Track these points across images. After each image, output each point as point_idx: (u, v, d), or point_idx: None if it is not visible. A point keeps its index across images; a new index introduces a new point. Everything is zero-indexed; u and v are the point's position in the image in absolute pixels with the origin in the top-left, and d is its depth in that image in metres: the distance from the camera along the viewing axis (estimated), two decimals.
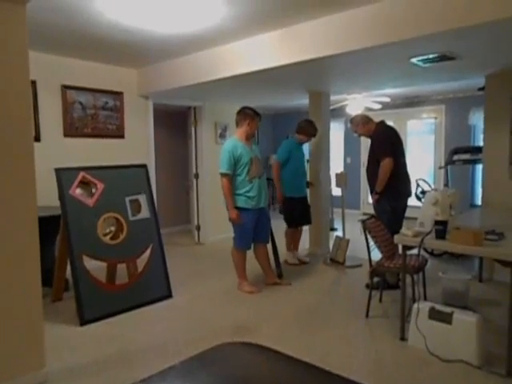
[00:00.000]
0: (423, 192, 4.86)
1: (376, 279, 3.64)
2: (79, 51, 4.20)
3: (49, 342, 2.73)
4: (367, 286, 3.62)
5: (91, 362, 2.64)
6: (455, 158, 5.21)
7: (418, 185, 4.96)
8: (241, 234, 3.89)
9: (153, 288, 3.67)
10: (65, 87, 4.44)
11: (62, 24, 3.31)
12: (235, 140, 3.85)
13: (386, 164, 3.71)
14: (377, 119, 4.07)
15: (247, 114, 3.88)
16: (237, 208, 3.76)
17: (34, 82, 4.10)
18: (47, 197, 3.54)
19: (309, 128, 4.69)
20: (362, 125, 4.00)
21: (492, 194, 4.23)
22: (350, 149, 8.62)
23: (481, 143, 4.69)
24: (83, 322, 3.18)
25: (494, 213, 3.91)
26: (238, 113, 3.96)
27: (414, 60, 3.43)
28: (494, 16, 2.40)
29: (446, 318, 2.60)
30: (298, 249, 4.96)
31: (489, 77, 4.21)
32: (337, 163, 8.26)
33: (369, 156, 4.01)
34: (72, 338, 3.00)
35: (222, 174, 3.72)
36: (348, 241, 4.75)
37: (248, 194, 3.77)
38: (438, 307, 2.68)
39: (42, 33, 3.54)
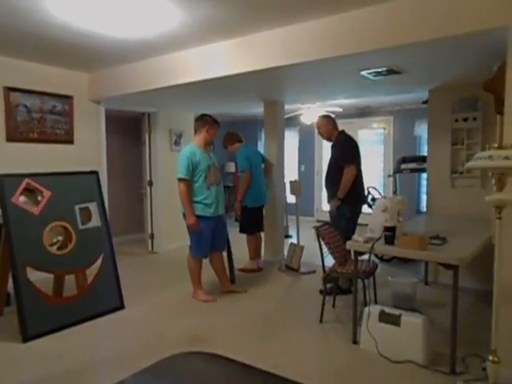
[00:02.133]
0: (374, 199, 5.06)
1: (329, 285, 3.73)
2: (26, 52, 3.99)
3: None
4: (321, 291, 3.70)
5: (36, 381, 2.48)
6: (403, 166, 5.46)
7: (369, 192, 5.16)
8: (198, 241, 3.84)
9: (104, 299, 3.53)
10: (8, 89, 4.20)
11: (9, 24, 3.13)
12: (193, 146, 3.82)
13: (350, 171, 3.81)
14: None
15: (206, 121, 3.86)
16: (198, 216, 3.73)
17: None
18: None
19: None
20: (327, 126, 4.08)
21: (435, 202, 4.47)
22: (304, 157, 8.81)
23: (425, 153, 4.95)
24: (26, 337, 2.98)
25: (437, 219, 4.14)
26: (197, 119, 3.94)
27: (363, 73, 3.59)
28: (435, 34, 2.57)
29: (394, 321, 2.70)
30: (260, 256, 4.99)
31: (432, 91, 4.47)
32: (291, 171, 8.40)
33: (329, 164, 4.09)
34: (14, 355, 2.81)
35: (180, 179, 3.66)
36: (302, 247, 4.83)
37: (205, 201, 3.74)
38: (388, 310, 2.78)
39: None
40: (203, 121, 3.88)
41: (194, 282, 3.94)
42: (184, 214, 3.77)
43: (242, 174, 4.77)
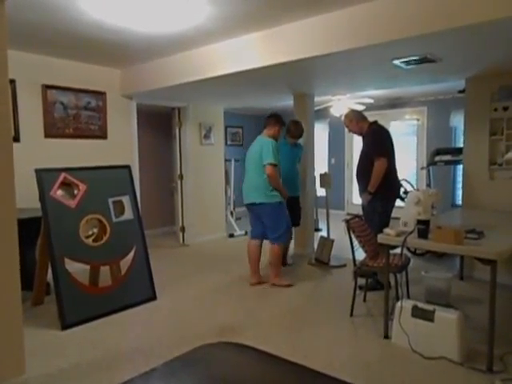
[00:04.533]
0: (406, 192, 4.93)
1: (370, 280, 3.67)
2: (61, 50, 4.13)
3: (29, 348, 2.67)
4: (360, 287, 3.60)
5: (73, 366, 2.59)
6: (437, 158, 5.29)
7: (401, 185, 5.03)
8: (287, 228, 4.18)
9: (137, 290, 3.63)
10: (45, 87, 4.36)
11: (43, 22, 3.25)
12: (271, 139, 4.09)
13: (381, 164, 3.68)
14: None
15: (279, 121, 4.20)
16: (280, 202, 4.03)
17: (13, 81, 4.02)
18: (27, 198, 3.47)
19: (295, 130, 4.65)
20: (355, 121, 3.95)
21: (472, 194, 4.31)
22: (335, 150, 8.69)
23: (461, 144, 4.78)
24: (65, 326, 3.12)
25: (474, 212, 3.99)
26: (272, 117, 4.21)
27: (396, 62, 3.48)
28: (473, 20, 2.46)
29: (428, 316, 2.64)
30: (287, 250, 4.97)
31: (469, 79, 4.30)
32: (321, 164, 8.32)
33: (361, 155, 3.97)
34: (53, 342, 2.94)
35: (271, 164, 3.91)
36: (333, 241, 4.78)
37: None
38: (421, 305, 2.72)
39: (22, 31, 3.47)
40: (277, 120, 4.20)
41: (278, 269, 4.12)
42: (261, 204, 4.00)
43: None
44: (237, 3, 2.89)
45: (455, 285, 3.73)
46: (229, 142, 8.87)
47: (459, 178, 6.59)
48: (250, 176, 4.13)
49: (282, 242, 4.08)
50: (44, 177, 3.29)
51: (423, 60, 3.43)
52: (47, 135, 4.41)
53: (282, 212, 4.09)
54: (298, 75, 4.20)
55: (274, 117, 4.20)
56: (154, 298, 3.72)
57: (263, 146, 4.00)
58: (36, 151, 4.30)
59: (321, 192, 5.96)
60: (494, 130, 4.12)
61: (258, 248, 4.19)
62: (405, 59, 3.40)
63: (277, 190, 4.00)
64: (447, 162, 5.32)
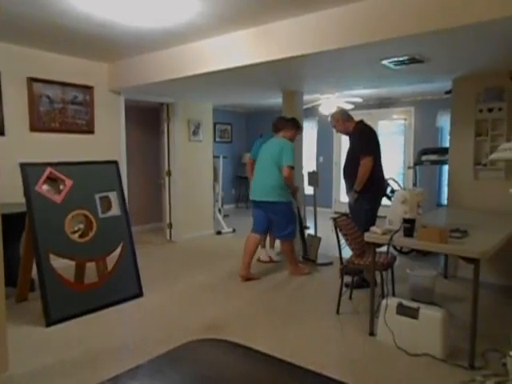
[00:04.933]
0: (393, 191, 4.99)
1: (356, 278, 3.71)
2: (48, 43, 4.06)
3: (13, 344, 2.64)
4: (346, 285, 3.63)
5: (57, 363, 2.57)
6: (423, 158, 5.37)
7: (387, 184, 5.08)
8: (295, 225, 4.33)
9: (123, 287, 3.60)
10: (31, 80, 4.29)
11: (31, 15, 3.19)
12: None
13: (367, 162, 3.71)
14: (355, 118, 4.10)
15: (297, 126, 4.42)
16: (291, 202, 4.24)
17: None
18: (11, 193, 3.42)
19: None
20: (341, 121, 3.99)
21: (457, 194, 4.38)
22: (323, 148, 8.74)
23: (447, 144, 4.84)
24: (49, 322, 3.08)
25: (458, 212, 4.05)
26: (290, 120, 4.40)
27: (385, 62, 3.51)
28: (461, 21, 2.49)
29: (412, 314, 2.68)
30: (273, 246, 4.99)
31: (456, 80, 4.36)
32: (309, 162, 8.35)
33: (348, 154, 4.00)
34: (37, 339, 2.90)
35: (290, 166, 4.06)
36: (320, 239, 4.81)
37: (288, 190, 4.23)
38: (406, 303, 2.75)
39: (8, 22, 3.40)
40: (296, 124, 4.41)
41: (294, 261, 4.37)
42: (275, 202, 4.11)
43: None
44: (227, 0, 2.88)
45: (439, 283, 3.79)
46: (217, 139, 8.85)
47: (445, 178, 6.69)
48: (263, 174, 4.17)
49: (290, 239, 4.28)
50: (29, 171, 3.24)
51: (412, 60, 3.46)
52: (33, 129, 4.33)
53: (292, 211, 4.30)
54: (287, 73, 4.21)
55: (292, 120, 4.40)
56: (140, 294, 3.70)
57: (284, 148, 4.09)
58: (21, 145, 4.22)
59: (309, 190, 5.99)
60: (479, 130, 4.19)
61: (256, 242, 4.27)
62: (394, 59, 3.44)
63: (290, 190, 4.21)
64: (433, 162, 5.40)
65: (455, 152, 4.38)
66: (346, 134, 4.06)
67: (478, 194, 4.21)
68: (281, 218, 4.17)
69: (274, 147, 4.16)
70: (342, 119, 3.99)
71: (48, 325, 3.07)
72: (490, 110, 4.09)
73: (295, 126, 4.37)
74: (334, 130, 4.22)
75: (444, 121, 6.86)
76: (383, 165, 3.97)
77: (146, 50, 4.27)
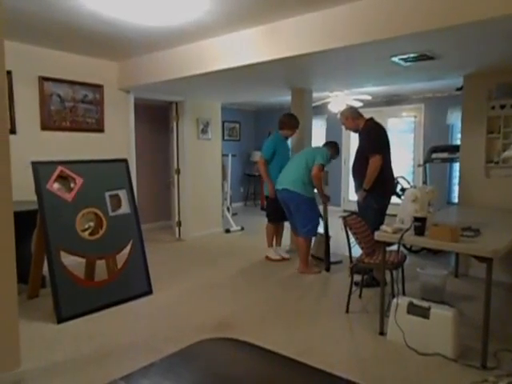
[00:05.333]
0: (403, 189, 4.95)
1: (366, 277, 3.69)
2: (58, 42, 4.09)
3: (24, 341, 2.67)
4: (356, 283, 3.61)
5: (69, 360, 2.59)
6: (434, 156, 5.31)
7: (397, 182, 5.04)
8: (316, 224, 4.39)
9: (133, 284, 3.62)
10: (42, 79, 4.32)
11: (41, 13, 3.21)
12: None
13: (376, 161, 3.69)
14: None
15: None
16: (313, 198, 4.34)
17: (9, 73, 3.98)
18: (23, 191, 3.45)
19: (290, 121, 4.76)
20: (351, 119, 3.97)
21: (468, 192, 4.33)
22: None
23: (458, 142, 4.79)
24: (60, 319, 3.11)
25: (470, 210, 4.01)
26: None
27: (394, 59, 3.47)
28: (472, 17, 2.45)
29: (423, 313, 2.65)
30: (280, 244, 4.99)
31: (466, 77, 4.30)
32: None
33: (357, 152, 3.98)
34: (49, 335, 2.93)
35: (321, 165, 4.24)
36: (329, 237, 4.79)
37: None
38: (416, 302, 2.73)
39: (19, 22, 3.43)
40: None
41: (306, 259, 4.37)
42: (297, 194, 4.23)
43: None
44: None
45: (450, 282, 3.76)
46: (226, 137, 8.85)
47: (455, 176, 6.62)
48: (291, 168, 4.38)
49: (309, 236, 4.35)
50: (40, 169, 3.27)
51: (422, 57, 3.42)
52: (44, 128, 4.37)
53: (314, 208, 4.35)
54: (296, 71, 4.19)
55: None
56: (150, 292, 3.72)
57: (319, 151, 4.36)
58: (32, 144, 4.27)
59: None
60: (491, 128, 4.13)
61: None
62: (403, 56, 3.40)
63: (317, 190, 4.33)
64: (444, 160, 5.34)
65: (466, 150, 4.33)
66: (356, 131, 4.03)
67: (489, 192, 4.16)
68: (302, 213, 4.28)
69: (309, 151, 4.46)
70: (352, 117, 3.97)
71: (59, 321, 3.10)
72: (503, 107, 4.03)
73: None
74: (344, 127, 4.19)
75: (455, 118, 6.78)
76: (393, 163, 3.94)
77: (155, 48, 4.28)
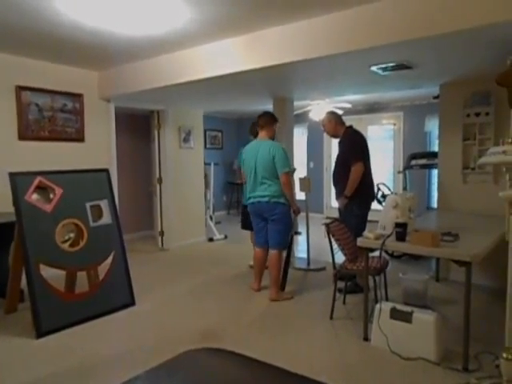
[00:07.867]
0: (384, 196, 5.03)
1: (349, 283, 3.72)
2: (36, 51, 4.03)
3: (2, 357, 2.59)
4: (340, 290, 3.63)
5: (49, 376, 2.52)
6: (413, 162, 5.42)
7: (378, 189, 5.12)
8: (289, 235, 3.96)
9: (115, 296, 3.56)
10: (19, 88, 4.24)
11: (18, 22, 3.16)
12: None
13: (358, 168, 3.73)
14: None
15: (274, 119, 3.96)
16: (289, 207, 3.79)
17: None
18: (0, 203, 3.37)
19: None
20: (334, 123, 3.98)
21: (446, 197, 4.43)
22: (313, 154, 8.78)
23: (436, 149, 4.90)
24: (40, 333, 3.02)
25: (448, 215, 4.10)
26: (266, 115, 3.95)
27: (373, 68, 3.56)
28: (449, 28, 2.53)
29: (406, 318, 2.69)
30: None
31: (443, 85, 4.42)
32: (300, 168, 8.37)
33: (337, 159, 4.02)
34: (28, 351, 2.85)
35: (288, 172, 3.70)
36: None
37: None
38: (399, 307, 2.77)
39: None
40: (273, 118, 3.96)
41: (278, 281, 3.81)
42: (273, 203, 3.70)
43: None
44: (218, 7, 2.89)
45: (431, 286, 3.82)
46: (208, 146, 8.84)
47: (434, 182, 6.76)
48: (258, 182, 3.75)
49: (283, 248, 3.85)
50: (18, 180, 3.20)
51: (399, 66, 3.52)
52: (21, 138, 4.28)
53: (289, 217, 3.83)
54: (278, 80, 4.23)
55: (269, 114, 3.98)
56: (132, 303, 3.65)
57: (276, 152, 3.67)
58: (10, 154, 4.17)
59: (300, 196, 6.01)
60: (466, 135, 4.25)
61: (263, 256, 3.93)
62: (382, 65, 3.48)
63: (288, 201, 3.74)
64: (423, 166, 5.46)
65: (444, 156, 4.44)
66: (333, 136, 4.09)
67: (466, 198, 4.26)
68: (278, 222, 3.74)
69: (263, 151, 3.71)
70: (336, 121, 4.00)
71: (39, 336, 3.01)
72: (478, 115, 4.16)
73: (275, 120, 3.97)
74: (322, 129, 4.19)
75: (432, 125, 6.95)
76: (373, 170, 4.00)
77: (136, 57, 4.26)
